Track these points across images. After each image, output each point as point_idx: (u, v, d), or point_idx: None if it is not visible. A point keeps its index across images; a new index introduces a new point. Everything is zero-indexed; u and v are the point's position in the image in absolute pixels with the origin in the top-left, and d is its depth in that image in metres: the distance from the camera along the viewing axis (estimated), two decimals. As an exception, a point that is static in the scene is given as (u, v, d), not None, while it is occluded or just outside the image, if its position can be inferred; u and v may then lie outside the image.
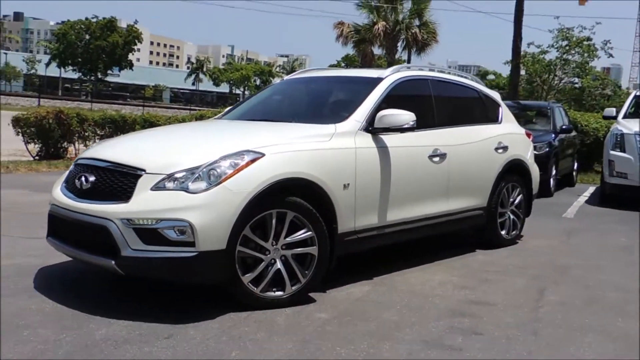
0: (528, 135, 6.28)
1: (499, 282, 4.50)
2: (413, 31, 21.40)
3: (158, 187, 3.42)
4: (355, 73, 5.14)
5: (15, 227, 5.52)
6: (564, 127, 10.82)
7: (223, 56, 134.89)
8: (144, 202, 3.38)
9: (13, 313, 3.39)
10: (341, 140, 4.05)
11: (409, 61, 30.66)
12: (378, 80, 4.64)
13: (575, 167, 12.38)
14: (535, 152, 9.41)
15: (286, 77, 5.69)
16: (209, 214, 3.33)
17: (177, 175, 3.43)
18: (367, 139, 4.22)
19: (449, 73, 5.60)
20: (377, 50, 23.95)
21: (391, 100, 4.51)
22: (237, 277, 3.52)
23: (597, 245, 6.13)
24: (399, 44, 22.36)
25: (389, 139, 4.35)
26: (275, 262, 3.65)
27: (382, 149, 4.29)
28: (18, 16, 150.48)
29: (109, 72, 62.83)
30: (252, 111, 5.07)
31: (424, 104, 4.96)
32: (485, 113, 5.73)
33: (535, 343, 3.30)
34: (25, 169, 10.08)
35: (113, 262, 3.39)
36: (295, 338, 3.21)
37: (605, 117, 10.70)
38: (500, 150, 5.53)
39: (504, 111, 5.95)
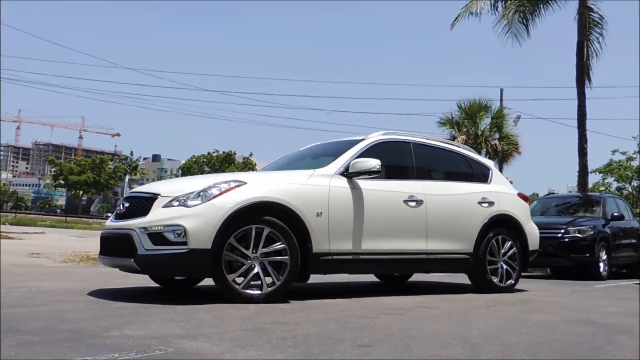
0: (524, 197, 6.98)
1: (461, 302, 5.19)
2: (493, 143, 22.29)
3: (167, 205, 4.70)
4: (351, 137, 6.31)
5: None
6: (614, 214, 11.08)
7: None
8: (156, 215, 4.66)
9: (66, 300, 4.65)
10: (317, 179, 5.19)
11: (501, 171, 31.11)
12: (361, 140, 5.81)
13: (644, 258, 12.23)
14: (579, 235, 9.92)
15: (305, 147, 6.97)
16: (198, 221, 4.53)
17: (181, 197, 4.71)
18: (342, 181, 5.32)
19: (436, 140, 6.65)
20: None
21: (369, 155, 5.59)
22: (223, 276, 4.61)
23: (592, 296, 6.50)
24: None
25: (364, 183, 5.41)
26: (254, 266, 4.71)
27: (356, 189, 5.35)
28: (156, 157, 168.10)
29: (226, 200, 68.24)
30: (272, 166, 6.44)
31: (402, 160, 6.02)
32: (472, 174, 6.61)
33: (439, 322, 4.04)
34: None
35: (132, 260, 4.63)
36: (254, 312, 4.18)
37: None
38: (485, 204, 6.32)
39: (495, 174, 6.80)
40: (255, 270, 4.70)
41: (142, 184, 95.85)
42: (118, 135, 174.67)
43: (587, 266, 10.12)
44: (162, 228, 4.57)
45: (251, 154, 68.43)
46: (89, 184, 70.11)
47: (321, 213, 5.06)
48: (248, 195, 4.73)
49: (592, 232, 10.17)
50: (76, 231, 31.08)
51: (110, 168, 74.56)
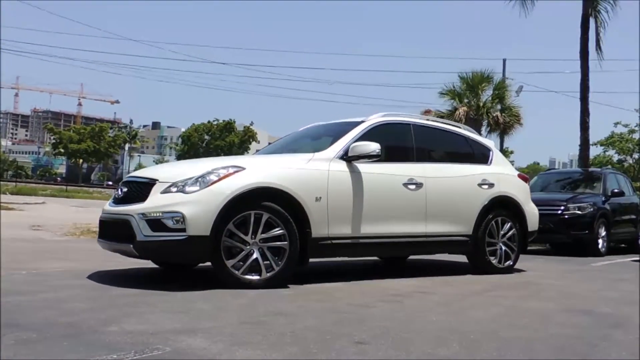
0: (524, 178, 6.96)
1: (459, 286, 5.21)
2: (495, 115, 22.16)
3: (166, 191, 4.68)
4: (350, 119, 6.25)
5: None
6: (615, 190, 11.08)
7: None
8: (155, 202, 4.64)
9: (65, 284, 4.66)
10: (316, 163, 5.16)
11: (501, 144, 31.24)
12: (360, 122, 5.75)
13: (642, 233, 12.26)
14: (579, 211, 9.93)
15: (304, 127, 6.90)
16: (197, 207, 4.52)
17: (179, 183, 4.68)
18: (341, 165, 5.28)
19: (436, 121, 6.60)
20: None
21: (369, 137, 5.54)
22: (222, 262, 4.61)
23: (589, 277, 6.54)
24: (482, 128, 23.05)
25: (364, 166, 5.38)
26: (253, 252, 4.71)
27: (355, 173, 5.32)
28: (155, 125, 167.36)
29: (226, 169, 68.49)
30: (270, 149, 6.41)
31: (402, 142, 5.98)
32: (472, 155, 6.57)
33: (436, 311, 4.06)
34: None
35: (131, 245, 4.63)
36: (253, 299, 4.20)
37: None
38: (485, 186, 6.30)
39: (495, 155, 6.76)
40: (255, 255, 4.70)
41: (142, 152, 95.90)
42: (117, 102, 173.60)
43: (586, 243, 10.16)
44: (160, 214, 4.56)
45: (252, 123, 68.27)
46: (89, 152, 70.12)
47: (320, 198, 5.04)
48: (247, 181, 4.71)
49: (591, 209, 10.17)
50: (77, 201, 31.16)
51: (110, 136, 74.45)
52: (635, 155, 21.78)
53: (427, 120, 6.47)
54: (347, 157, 5.32)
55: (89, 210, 22.11)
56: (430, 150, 6.22)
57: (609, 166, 19.83)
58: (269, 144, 6.99)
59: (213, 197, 4.57)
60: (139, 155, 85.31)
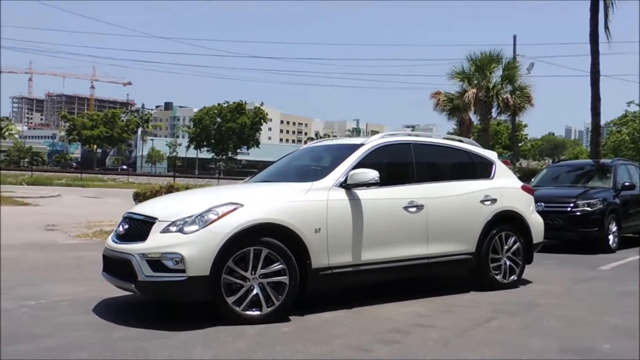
0: (528, 190, 6.88)
1: (460, 313, 5.21)
2: (505, 96, 21.85)
3: (165, 230, 4.72)
4: (349, 141, 6.23)
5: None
6: (626, 183, 10.94)
7: (348, 130, 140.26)
8: (154, 242, 4.69)
9: (71, 323, 4.74)
10: (315, 194, 5.15)
11: (513, 125, 30.92)
12: (360, 145, 5.72)
13: (655, 224, 12.13)
14: (589, 208, 9.81)
15: (303, 147, 6.92)
16: (196, 248, 4.55)
17: (178, 222, 4.71)
18: (341, 193, 5.27)
19: (439, 137, 6.54)
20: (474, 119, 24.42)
21: (369, 161, 5.53)
22: (223, 299, 4.66)
23: (595, 291, 6.51)
24: (493, 110, 22.79)
25: (364, 193, 5.36)
26: (254, 288, 4.75)
27: (355, 200, 5.31)
28: (168, 105, 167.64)
29: (238, 150, 68.69)
30: (264, 175, 6.37)
31: (403, 164, 5.94)
32: (474, 170, 6.52)
33: (437, 351, 4.07)
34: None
35: (133, 285, 4.70)
36: (252, 340, 4.24)
37: None
38: (487, 202, 6.25)
39: (498, 168, 6.68)
40: (255, 291, 4.74)
41: (155, 135, 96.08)
42: (129, 84, 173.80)
43: (596, 240, 10.08)
44: (160, 255, 4.60)
45: (262, 104, 68.16)
46: (102, 138, 70.61)
47: (320, 229, 5.05)
48: (246, 218, 4.73)
49: (601, 206, 10.07)
50: (91, 190, 31.55)
51: (122, 121, 74.80)
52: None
53: (428, 137, 6.41)
54: (346, 185, 5.31)
55: (103, 201, 22.46)
56: (431, 170, 6.17)
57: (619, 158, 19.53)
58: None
59: (212, 237, 4.60)
60: (151, 139, 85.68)
